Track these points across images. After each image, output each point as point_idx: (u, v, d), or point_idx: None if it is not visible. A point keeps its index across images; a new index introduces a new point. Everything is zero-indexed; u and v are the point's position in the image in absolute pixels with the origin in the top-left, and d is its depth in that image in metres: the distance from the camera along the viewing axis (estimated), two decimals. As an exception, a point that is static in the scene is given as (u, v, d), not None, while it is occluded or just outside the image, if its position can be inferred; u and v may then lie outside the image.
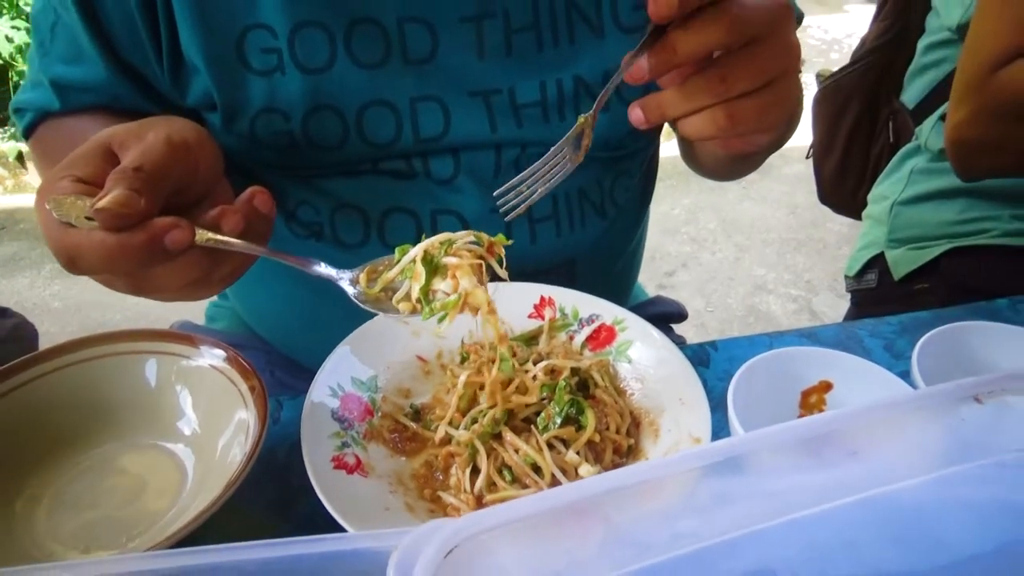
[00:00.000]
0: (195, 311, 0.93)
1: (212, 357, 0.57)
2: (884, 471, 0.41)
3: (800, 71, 0.54)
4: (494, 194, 0.57)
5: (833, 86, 1.29)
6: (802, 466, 0.41)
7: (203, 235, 0.48)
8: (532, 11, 0.67)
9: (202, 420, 0.57)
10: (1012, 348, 0.62)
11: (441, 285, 0.53)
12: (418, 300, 0.53)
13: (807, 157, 1.42)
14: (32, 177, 3.05)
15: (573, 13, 0.69)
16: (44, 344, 0.86)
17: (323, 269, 0.54)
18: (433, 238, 0.54)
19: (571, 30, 0.69)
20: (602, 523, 0.38)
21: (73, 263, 0.47)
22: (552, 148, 0.55)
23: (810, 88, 1.26)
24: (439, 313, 0.53)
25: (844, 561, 0.38)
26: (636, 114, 0.53)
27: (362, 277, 0.54)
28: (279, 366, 0.86)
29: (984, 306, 0.78)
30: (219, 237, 0.48)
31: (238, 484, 0.47)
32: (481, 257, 0.54)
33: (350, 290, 0.54)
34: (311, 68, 0.64)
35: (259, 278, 0.77)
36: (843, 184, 1.35)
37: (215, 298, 1.00)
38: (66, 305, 2.46)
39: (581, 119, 0.55)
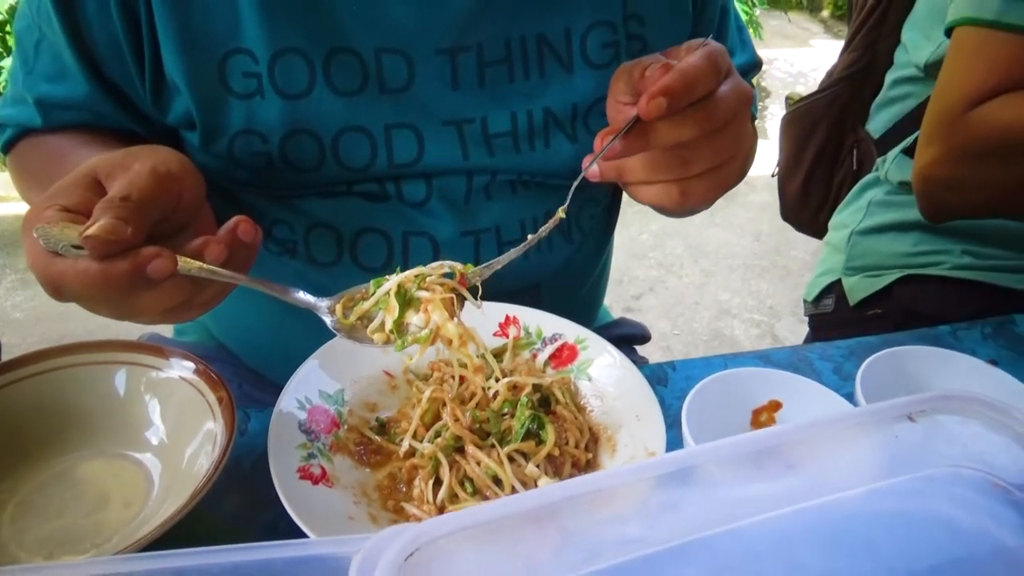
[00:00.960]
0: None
1: (181, 369, 0.58)
2: (822, 483, 0.44)
3: (749, 155, 0.60)
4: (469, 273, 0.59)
5: (802, 110, 1.32)
6: (746, 478, 0.43)
7: (186, 264, 0.49)
8: (505, 46, 0.70)
9: (170, 430, 0.58)
10: (949, 371, 0.66)
11: (414, 318, 0.56)
12: (391, 332, 0.56)
13: (772, 176, 1.46)
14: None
15: (544, 48, 0.71)
16: (4, 356, 0.85)
17: (302, 297, 0.56)
18: (408, 272, 0.57)
19: (541, 64, 0.72)
20: (557, 529, 0.39)
21: (59, 291, 0.48)
22: (530, 237, 0.60)
23: (778, 115, 1.31)
24: (411, 345, 0.56)
25: (781, 567, 0.41)
26: (593, 170, 0.57)
27: (338, 307, 0.57)
28: (247, 380, 0.86)
29: (928, 332, 0.82)
30: (201, 265, 0.50)
31: (205, 492, 0.48)
32: (454, 290, 0.57)
33: (327, 319, 0.56)
34: (290, 93, 0.66)
35: (230, 293, 0.78)
36: (806, 205, 1.39)
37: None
38: (27, 316, 2.42)
39: (560, 212, 0.59)
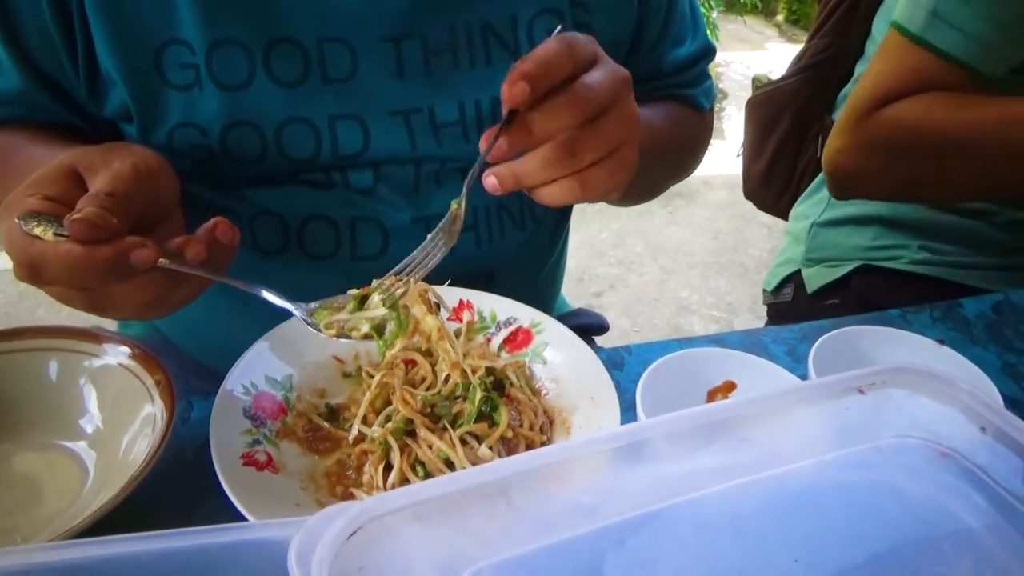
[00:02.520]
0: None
1: (117, 354, 0.56)
2: (773, 456, 0.43)
3: (638, 136, 0.60)
4: (376, 283, 0.60)
5: (769, 94, 1.32)
6: (698, 451, 0.43)
7: (166, 259, 0.51)
8: (450, 34, 0.69)
9: (106, 418, 0.56)
10: (899, 350, 0.67)
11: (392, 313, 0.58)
12: (371, 332, 0.58)
13: (737, 155, 1.46)
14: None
15: (490, 37, 0.70)
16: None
17: (278, 302, 0.57)
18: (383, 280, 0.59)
19: (487, 52, 0.71)
20: (507, 504, 0.39)
21: (36, 272, 0.48)
22: (428, 236, 0.59)
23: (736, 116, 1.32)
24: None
25: (733, 539, 0.40)
26: (491, 182, 0.57)
27: (317, 313, 0.58)
28: (193, 372, 0.84)
29: (878, 315, 0.83)
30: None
31: (143, 476, 0.46)
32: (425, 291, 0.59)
33: (298, 312, 0.57)
34: (229, 85, 0.64)
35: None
36: (769, 188, 1.39)
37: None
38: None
39: (454, 205, 0.59)
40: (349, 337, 0.58)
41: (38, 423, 0.56)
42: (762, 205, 1.44)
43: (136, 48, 0.62)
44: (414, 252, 0.59)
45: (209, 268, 0.53)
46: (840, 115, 0.96)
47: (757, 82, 1.39)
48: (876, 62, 0.93)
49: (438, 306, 0.61)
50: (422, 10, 0.67)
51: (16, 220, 0.48)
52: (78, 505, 0.51)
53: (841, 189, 1.04)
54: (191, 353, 0.86)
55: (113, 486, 0.50)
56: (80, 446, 0.55)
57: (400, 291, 0.58)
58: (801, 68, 1.28)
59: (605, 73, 0.55)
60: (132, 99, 0.64)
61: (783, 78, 1.31)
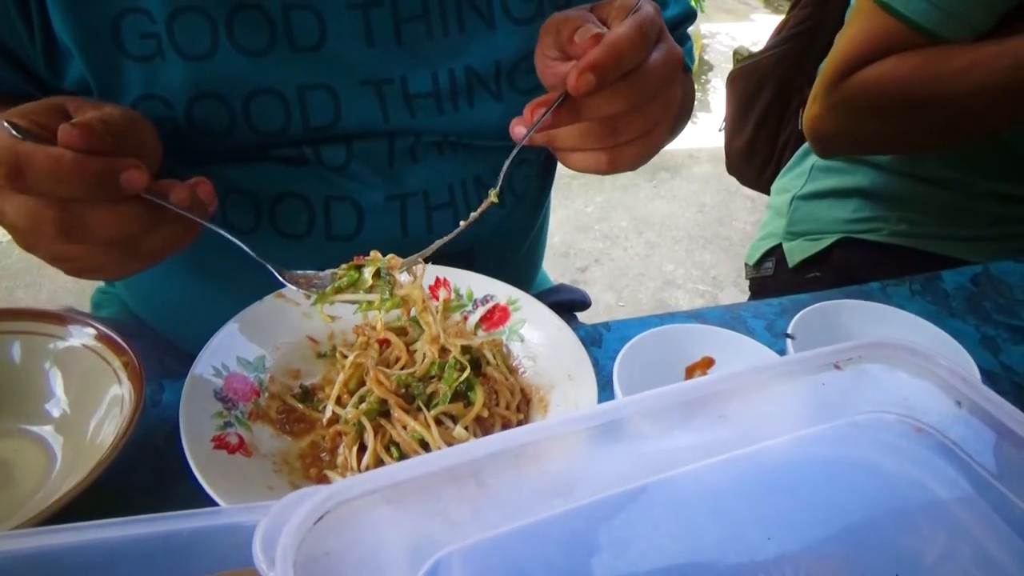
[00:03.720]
0: (81, 299, 0.89)
1: (82, 336, 0.55)
2: (750, 432, 0.43)
3: (678, 120, 0.60)
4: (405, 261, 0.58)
5: (749, 68, 1.32)
6: (675, 428, 0.42)
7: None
8: (421, 0, 0.67)
9: (72, 401, 0.54)
10: (878, 324, 0.67)
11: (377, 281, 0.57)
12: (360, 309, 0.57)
13: (719, 130, 1.46)
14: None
15: (463, 3, 0.69)
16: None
17: (257, 258, 0.56)
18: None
19: (461, 20, 0.69)
20: (478, 486, 0.38)
21: (17, 173, 0.45)
22: (462, 223, 0.58)
23: (720, 88, 1.31)
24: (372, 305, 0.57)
25: (711, 516, 0.40)
26: (518, 131, 0.55)
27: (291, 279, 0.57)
28: (167, 353, 0.82)
29: (858, 289, 0.82)
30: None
31: (111, 460, 0.45)
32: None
33: (271, 267, 0.56)
34: (192, 55, 0.62)
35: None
36: (751, 162, 1.39)
37: (101, 284, 0.95)
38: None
39: (492, 195, 0.58)
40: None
41: (2, 408, 0.54)
42: (744, 179, 1.44)
43: (92, 17, 0.60)
44: (444, 240, 0.58)
45: (193, 214, 0.51)
46: (816, 81, 0.97)
47: (737, 55, 1.38)
48: (847, 27, 0.94)
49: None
50: None
51: (6, 124, 0.46)
52: (46, 490, 0.50)
53: (825, 151, 1.07)
54: (166, 334, 0.84)
55: (81, 470, 0.49)
56: (46, 430, 0.54)
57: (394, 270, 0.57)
58: (781, 40, 1.27)
59: (662, 56, 0.54)
60: (89, 71, 0.62)
61: (763, 51, 1.30)
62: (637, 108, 0.54)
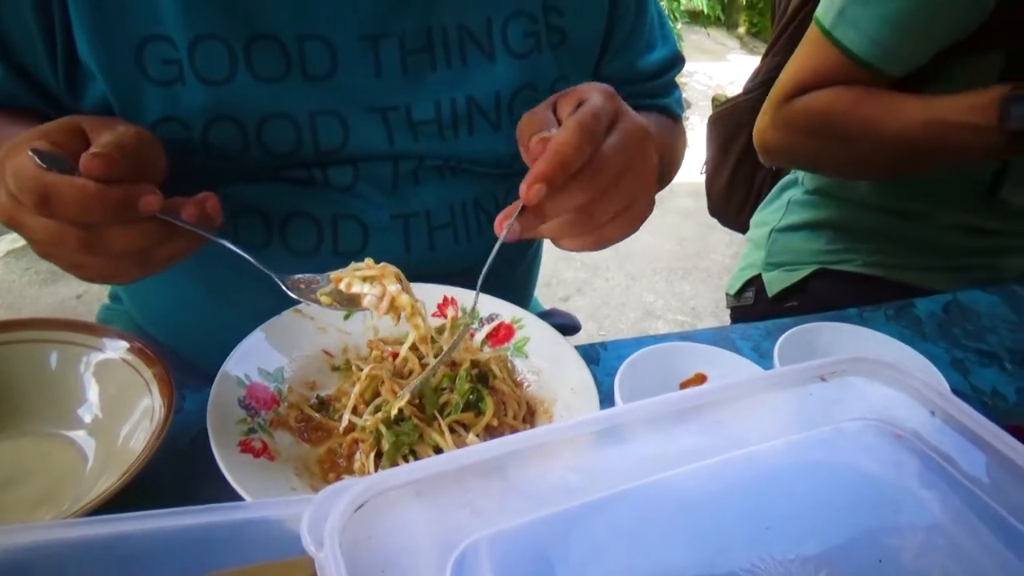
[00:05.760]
0: (87, 315, 0.91)
1: (115, 347, 0.57)
2: (743, 437, 0.47)
3: (655, 187, 0.62)
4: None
5: (727, 111, 1.39)
6: (674, 432, 0.46)
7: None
8: (426, 34, 0.72)
9: (104, 407, 0.57)
10: (857, 345, 0.71)
11: (369, 289, 0.61)
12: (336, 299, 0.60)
13: (701, 173, 1.52)
14: None
15: (465, 37, 0.73)
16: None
17: (262, 268, 0.59)
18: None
19: (463, 53, 0.73)
20: (501, 480, 0.41)
21: (45, 202, 0.49)
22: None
23: (699, 126, 1.39)
24: (364, 312, 0.61)
25: (708, 513, 0.44)
26: (515, 231, 0.58)
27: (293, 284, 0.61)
28: (175, 367, 0.84)
29: (836, 314, 0.87)
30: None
31: (148, 460, 0.47)
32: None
33: (275, 276, 0.60)
34: (212, 80, 0.66)
35: (155, 278, 0.77)
36: (730, 202, 1.45)
37: (107, 301, 0.98)
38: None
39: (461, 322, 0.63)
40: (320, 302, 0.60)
41: (37, 412, 0.57)
42: (726, 220, 1.51)
43: (117, 42, 0.63)
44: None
45: (201, 229, 0.56)
46: (767, 97, 1.06)
47: (716, 101, 1.46)
48: (797, 53, 1.03)
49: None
50: (399, 11, 0.70)
51: (30, 153, 0.50)
52: (80, 487, 0.52)
53: (769, 160, 1.18)
54: (174, 348, 0.87)
55: (112, 472, 0.52)
56: (79, 435, 0.57)
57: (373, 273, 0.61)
58: (757, 85, 1.34)
59: (620, 141, 0.56)
60: (112, 93, 0.65)
61: (740, 95, 1.38)
62: (604, 193, 0.56)
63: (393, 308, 0.59)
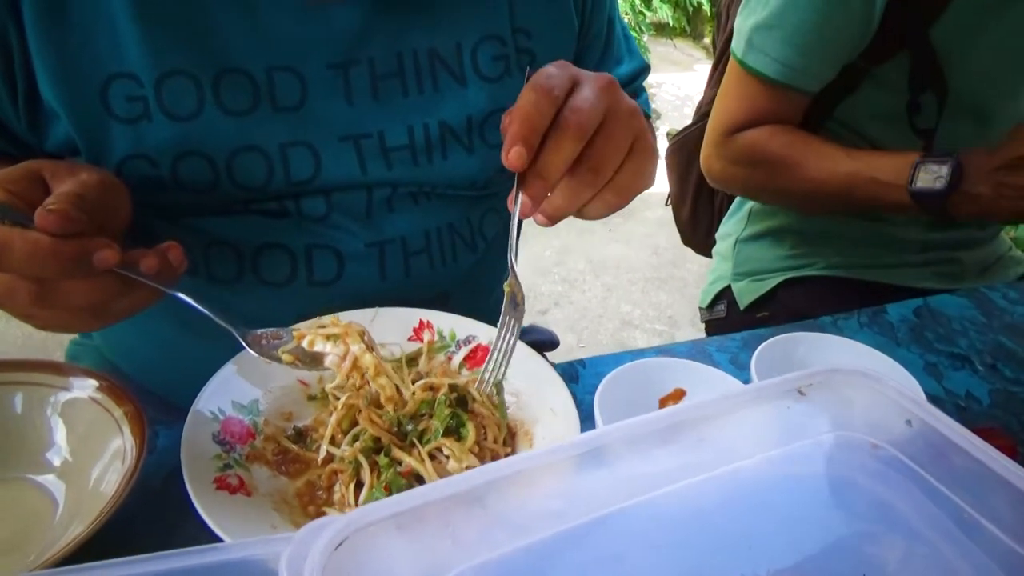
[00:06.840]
0: (57, 351, 0.89)
1: (83, 387, 0.56)
2: (724, 454, 0.47)
3: (647, 126, 0.61)
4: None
5: (679, 143, 1.42)
6: (655, 452, 0.46)
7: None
8: (397, 60, 0.71)
9: (74, 450, 0.55)
10: (832, 354, 0.72)
11: (332, 348, 0.61)
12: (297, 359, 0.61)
13: (666, 204, 1.55)
14: None
15: (436, 62, 0.73)
16: None
17: (221, 321, 0.59)
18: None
19: (434, 78, 0.73)
20: (482, 509, 0.41)
21: None
22: (499, 324, 0.63)
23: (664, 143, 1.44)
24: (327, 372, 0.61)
25: (694, 531, 0.44)
26: (540, 218, 0.58)
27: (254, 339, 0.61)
28: (147, 403, 0.82)
29: (811, 323, 0.88)
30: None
31: (120, 502, 0.46)
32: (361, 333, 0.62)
33: (235, 332, 0.59)
34: (179, 116, 0.65)
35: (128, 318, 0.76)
36: (697, 229, 1.49)
37: (76, 337, 0.96)
38: None
39: (506, 287, 0.62)
40: (281, 360, 0.61)
41: (3, 457, 0.55)
42: (697, 248, 1.54)
43: (81, 81, 0.62)
44: (494, 343, 0.63)
45: (159, 281, 0.55)
46: (707, 128, 1.12)
47: (669, 135, 1.51)
48: (723, 85, 1.09)
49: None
50: (367, 38, 0.69)
51: None
52: (50, 535, 0.51)
53: (715, 186, 1.23)
54: (144, 384, 0.85)
55: (84, 517, 0.50)
56: (48, 479, 0.55)
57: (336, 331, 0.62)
58: (702, 115, 1.38)
59: (588, 87, 0.55)
60: (77, 132, 0.64)
61: (689, 126, 1.42)
62: (599, 137, 0.55)
63: (356, 368, 0.59)
